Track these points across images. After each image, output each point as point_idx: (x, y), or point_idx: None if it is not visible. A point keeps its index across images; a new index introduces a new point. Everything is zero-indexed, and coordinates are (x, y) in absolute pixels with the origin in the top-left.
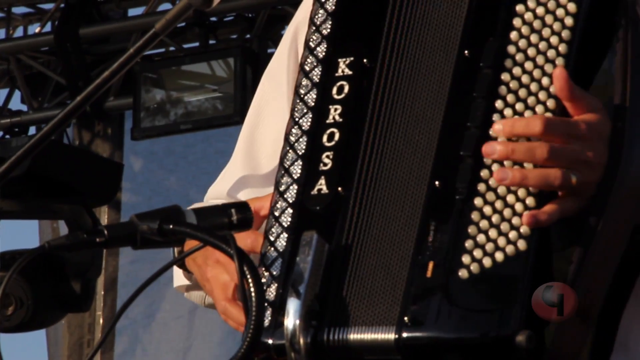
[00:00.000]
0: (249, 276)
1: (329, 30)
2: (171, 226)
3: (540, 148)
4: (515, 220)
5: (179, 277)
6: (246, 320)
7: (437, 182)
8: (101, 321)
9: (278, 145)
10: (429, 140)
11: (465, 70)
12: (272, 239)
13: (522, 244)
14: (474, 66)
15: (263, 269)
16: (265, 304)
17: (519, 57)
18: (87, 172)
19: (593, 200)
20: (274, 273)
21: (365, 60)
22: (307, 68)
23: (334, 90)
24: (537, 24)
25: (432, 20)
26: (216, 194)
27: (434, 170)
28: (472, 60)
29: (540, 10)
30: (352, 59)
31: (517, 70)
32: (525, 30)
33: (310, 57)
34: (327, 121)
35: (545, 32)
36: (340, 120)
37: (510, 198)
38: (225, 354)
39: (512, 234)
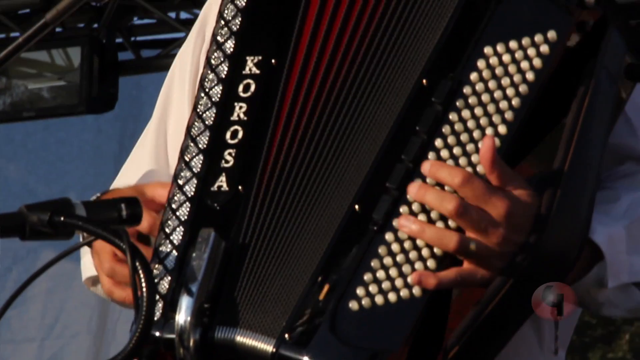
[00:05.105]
0: (140, 271)
1: (238, 26)
2: (62, 218)
3: (451, 201)
4: (418, 265)
5: (87, 268)
6: (136, 314)
7: (357, 206)
8: None
9: (180, 139)
10: (362, 161)
11: (417, 100)
12: (167, 231)
13: (417, 291)
14: (427, 98)
15: (157, 260)
16: (157, 297)
17: (472, 100)
18: None
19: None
20: (168, 266)
21: (273, 61)
22: (213, 62)
23: (241, 87)
24: (499, 70)
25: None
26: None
27: (359, 193)
28: (428, 91)
29: (506, 58)
30: (260, 58)
31: (465, 113)
32: (486, 74)
33: (218, 52)
34: (232, 118)
35: (505, 81)
36: (245, 118)
37: (419, 241)
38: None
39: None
